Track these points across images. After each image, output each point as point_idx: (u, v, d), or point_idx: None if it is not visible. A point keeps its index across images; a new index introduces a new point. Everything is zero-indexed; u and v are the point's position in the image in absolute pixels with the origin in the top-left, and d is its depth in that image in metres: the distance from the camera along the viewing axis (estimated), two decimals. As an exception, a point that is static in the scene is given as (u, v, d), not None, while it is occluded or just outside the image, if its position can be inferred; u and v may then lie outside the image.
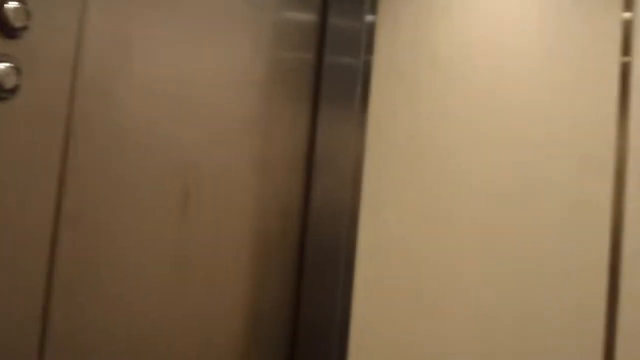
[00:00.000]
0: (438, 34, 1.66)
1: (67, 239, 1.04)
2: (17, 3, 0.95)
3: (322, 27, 1.71)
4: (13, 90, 0.95)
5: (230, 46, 1.44)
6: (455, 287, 1.59)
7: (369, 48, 1.71)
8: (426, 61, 1.66)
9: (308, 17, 1.68)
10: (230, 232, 1.47)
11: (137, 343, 1.22)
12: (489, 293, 1.58)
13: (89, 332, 1.11)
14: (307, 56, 1.69)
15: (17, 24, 0.95)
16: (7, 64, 0.95)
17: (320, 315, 1.63)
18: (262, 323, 1.57)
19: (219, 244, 1.44)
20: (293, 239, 1.65)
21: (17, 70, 0.95)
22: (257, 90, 1.53)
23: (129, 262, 1.20)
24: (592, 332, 1.54)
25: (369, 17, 1.69)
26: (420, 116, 1.65)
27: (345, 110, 1.69)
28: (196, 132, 1.35)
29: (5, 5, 0.95)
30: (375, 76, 1.69)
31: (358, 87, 1.69)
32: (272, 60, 1.58)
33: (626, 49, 1.61)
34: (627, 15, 1.61)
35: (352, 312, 1.63)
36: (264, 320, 1.58)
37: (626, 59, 1.60)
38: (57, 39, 1.03)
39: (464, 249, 1.60)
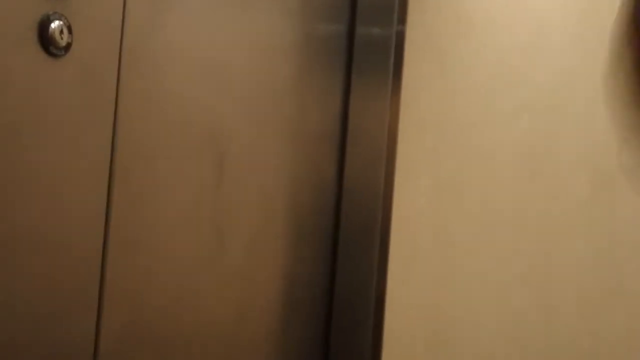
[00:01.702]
0: (471, 2, 1.64)
1: (119, 196, 1.05)
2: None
3: (353, -2, 1.70)
4: (66, 48, 0.95)
5: (262, 14, 1.43)
6: (489, 259, 1.58)
7: (402, 18, 1.69)
8: (459, 31, 1.65)
9: (339, -13, 1.67)
10: (264, 201, 1.46)
11: (180, 304, 1.22)
12: (521, 266, 1.57)
13: (139, 288, 1.12)
14: (339, 27, 1.67)
15: (68, -18, 0.94)
16: (60, 22, 0.94)
17: (356, 288, 1.63)
18: (298, 295, 1.57)
19: (254, 212, 1.43)
20: (327, 210, 1.65)
21: (69, 28, 0.95)
22: (290, 61, 1.52)
23: (171, 225, 1.20)
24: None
25: (401, -13, 1.68)
26: (454, 86, 1.64)
27: (378, 81, 1.67)
28: (230, 99, 1.34)
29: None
30: (408, 47, 1.67)
31: (391, 58, 1.68)
32: (303, 30, 1.57)
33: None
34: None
35: (388, 285, 1.62)
36: (300, 292, 1.57)
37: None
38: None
39: (497, 221, 1.59)
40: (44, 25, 0.92)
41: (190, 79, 1.24)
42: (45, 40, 0.92)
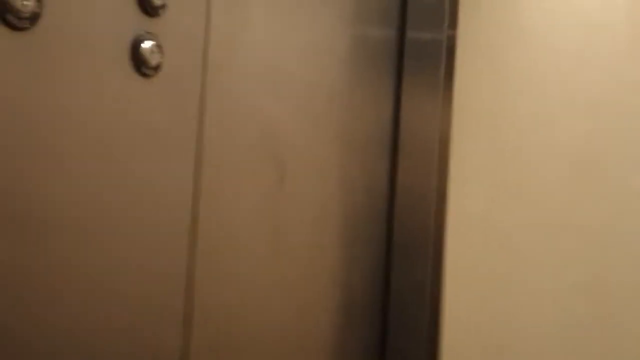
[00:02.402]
0: (522, 5, 1.64)
1: (205, 212, 1.05)
2: (157, -19, 0.95)
3: (403, 2, 1.69)
4: (156, 68, 0.95)
5: (318, 20, 1.43)
6: (549, 267, 1.58)
7: (453, 22, 1.69)
8: (511, 34, 1.64)
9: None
10: (320, 206, 1.47)
11: (250, 308, 1.23)
12: (582, 273, 1.56)
13: (222, 296, 1.13)
14: (390, 32, 1.67)
15: (158, 1, 0.94)
16: (152, 42, 0.94)
17: (411, 296, 1.63)
18: (353, 300, 1.57)
19: (311, 218, 1.44)
20: (381, 215, 1.65)
21: (159, 48, 0.95)
22: (342, 65, 1.53)
23: (247, 233, 1.21)
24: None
25: (451, -9, 1.67)
26: (507, 90, 1.63)
27: (429, 85, 1.68)
28: (289, 105, 1.35)
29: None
30: (459, 51, 1.67)
31: (442, 62, 1.68)
32: (356, 35, 1.57)
33: None
34: None
35: (443, 293, 1.62)
36: (354, 298, 1.58)
37: None
38: (190, 17, 1.03)
39: (556, 226, 1.58)
40: (136, 45, 0.93)
41: (259, 88, 1.24)
42: (138, 61, 0.93)
